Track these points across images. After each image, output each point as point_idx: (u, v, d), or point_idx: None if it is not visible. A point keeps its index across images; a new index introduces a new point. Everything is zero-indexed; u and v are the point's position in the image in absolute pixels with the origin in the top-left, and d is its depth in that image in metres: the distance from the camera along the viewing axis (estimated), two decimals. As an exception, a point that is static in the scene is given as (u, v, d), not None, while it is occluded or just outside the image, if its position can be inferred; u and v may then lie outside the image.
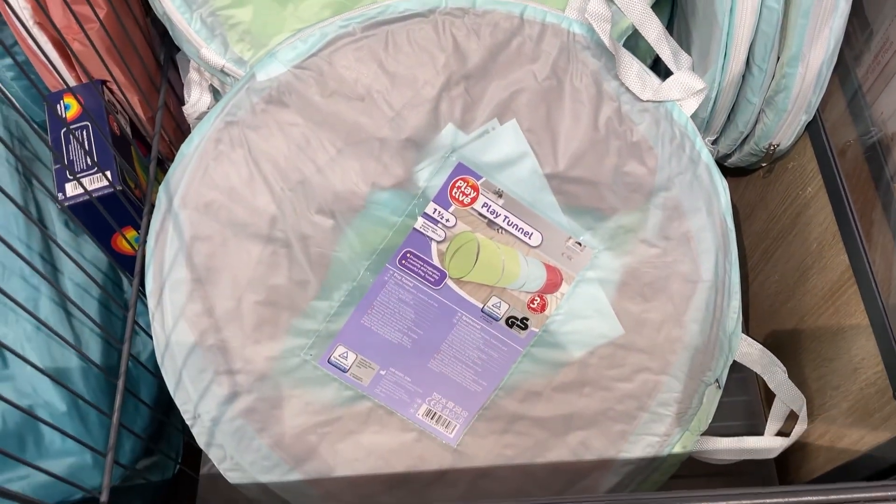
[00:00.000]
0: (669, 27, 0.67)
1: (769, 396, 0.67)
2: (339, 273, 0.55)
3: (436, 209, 0.55)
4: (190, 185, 0.53)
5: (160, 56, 0.70)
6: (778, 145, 0.62)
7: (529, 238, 0.56)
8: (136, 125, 0.67)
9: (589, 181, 0.55)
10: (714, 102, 0.60)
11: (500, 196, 0.55)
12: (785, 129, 0.59)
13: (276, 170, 0.53)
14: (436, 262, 0.56)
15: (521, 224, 0.56)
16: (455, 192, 0.55)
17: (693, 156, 0.55)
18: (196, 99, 0.63)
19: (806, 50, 0.53)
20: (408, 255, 0.55)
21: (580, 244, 0.56)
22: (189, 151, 0.53)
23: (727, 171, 0.74)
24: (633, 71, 0.53)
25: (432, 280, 0.56)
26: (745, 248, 0.76)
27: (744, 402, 0.74)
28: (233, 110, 0.52)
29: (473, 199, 0.55)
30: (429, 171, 0.54)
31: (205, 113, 0.64)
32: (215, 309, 0.55)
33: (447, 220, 0.55)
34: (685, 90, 0.54)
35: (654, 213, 0.56)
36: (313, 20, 0.56)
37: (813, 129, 0.60)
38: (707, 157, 0.56)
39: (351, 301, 0.56)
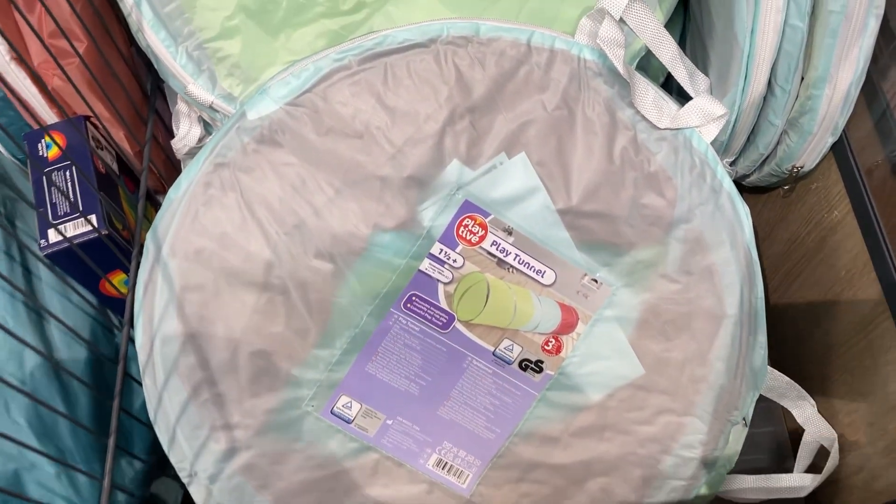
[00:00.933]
0: (682, 45, 0.64)
1: (795, 426, 0.64)
2: (341, 319, 0.52)
3: (442, 249, 0.51)
4: (178, 232, 0.49)
5: (146, 86, 0.67)
6: (801, 167, 0.58)
7: (542, 277, 0.52)
8: (124, 161, 0.64)
9: (604, 215, 0.51)
10: (734, 125, 0.57)
11: (510, 234, 0.52)
12: (809, 151, 0.56)
13: (271, 213, 0.49)
14: (443, 304, 0.52)
15: (532, 262, 0.52)
16: (462, 231, 0.51)
17: (714, 185, 0.52)
18: (185, 132, 0.60)
19: (833, 71, 0.50)
20: (413, 298, 0.52)
21: (596, 281, 0.53)
22: (177, 196, 0.49)
23: (743, 189, 0.71)
24: (650, 98, 0.49)
25: (440, 323, 0.53)
26: (764, 269, 0.73)
27: (769, 433, 0.70)
28: (223, 151, 0.49)
29: (482, 238, 0.52)
30: (433, 210, 0.51)
31: (195, 148, 0.60)
32: (209, 361, 0.51)
33: (454, 261, 0.52)
34: (705, 116, 0.50)
35: (674, 246, 0.52)
36: (306, 52, 0.52)
37: (838, 148, 0.57)
38: (729, 186, 0.52)
39: (354, 348, 0.53)
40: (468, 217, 0.51)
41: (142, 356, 0.51)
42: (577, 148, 0.50)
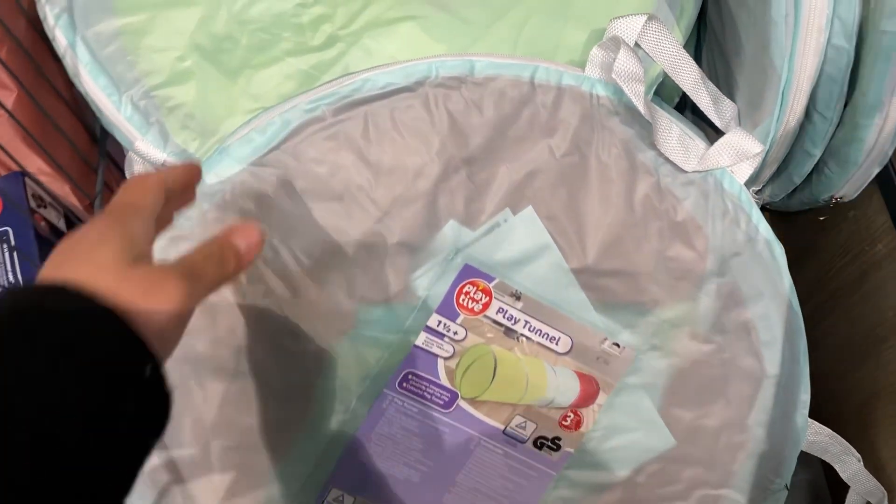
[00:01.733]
0: (698, 62, 0.57)
1: (834, 473, 0.58)
2: (327, 405, 0.45)
3: (440, 321, 0.44)
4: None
5: (95, 129, 0.59)
6: (842, 198, 0.51)
7: (557, 344, 0.46)
8: (72, 218, 0.56)
9: (625, 272, 0.45)
10: (765, 155, 0.50)
11: (518, 298, 0.45)
12: (853, 182, 0.49)
13: (239, 291, 0.42)
14: (444, 381, 0.46)
15: (545, 329, 0.45)
16: (463, 300, 0.44)
17: (750, 231, 0.45)
18: None
19: (887, 99, 0.43)
20: (409, 376, 0.45)
21: (618, 346, 0.46)
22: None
23: (764, 210, 0.64)
24: (674, 137, 0.42)
25: (441, 402, 0.46)
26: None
27: (806, 481, 0.64)
28: (180, 223, 0.41)
29: (486, 306, 0.45)
30: (429, 278, 0.44)
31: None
32: (177, 461, 0.44)
33: (455, 333, 0.45)
34: (738, 154, 0.43)
35: (705, 302, 0.45)
36: (271, 96, 0.45)
37: (882, 176, 0.50)
38: (766, 231, 0.46)
39: (343, 436, 0.46)
40: (469, 283, 0.44)
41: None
42: (592, 198, 0.43)
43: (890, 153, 0.47)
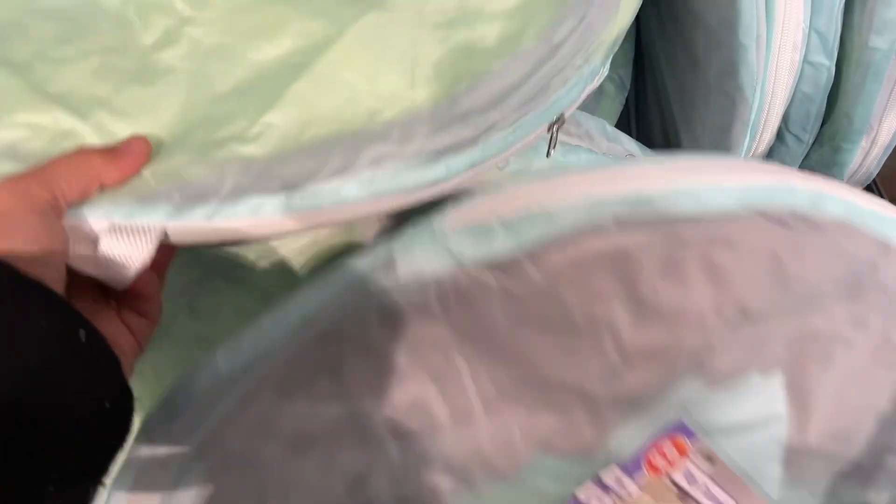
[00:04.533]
0: (639, 96, 0.48)
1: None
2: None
3: (618, 477, 0.34)
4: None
5: None
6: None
7: (724, 512, 0.37)
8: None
9: (840, 458, 0.36)
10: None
11: (712, 462, 0.35)
12: None
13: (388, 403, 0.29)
14: (586, 537, 0.36)
15: (721, 496, 0.36)
16: (652, 456, 0.34)
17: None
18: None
19: (875, 122, 0.37)
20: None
21: (784, 521, 0.38)
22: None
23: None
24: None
25: (572, 558, 0.36)
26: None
27: None
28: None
29: (674, 465, 0.34)
30: (630, 433, 0.32)
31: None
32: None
33: (629, 494, 0.34)
34: None
35: None
36: (82, 98, 0.29)
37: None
38: None
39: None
40: (668, 437, 0.34)
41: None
42: (857, 379, 0.33)
43: (875, 172, 0.42)
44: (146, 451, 0.29)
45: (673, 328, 0.29)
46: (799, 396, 0.34)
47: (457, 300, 0.27)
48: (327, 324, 0.27)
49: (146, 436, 0.30)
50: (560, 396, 0.30)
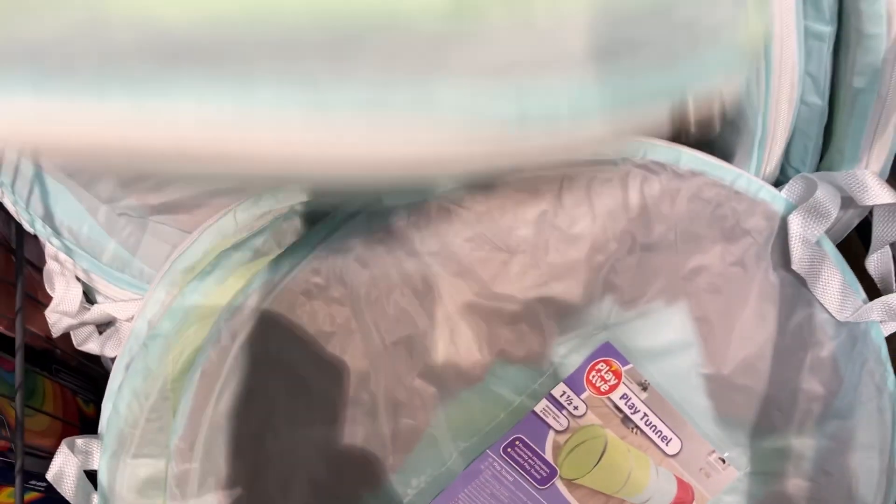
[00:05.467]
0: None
1: None
2: (427, 453, 0.43)
3: (564, 392, 0.43)
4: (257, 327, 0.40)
5: (10, 237, 0.51)
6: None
7: (667, 444, 0.45)
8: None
9: (755, 392, 0.44)
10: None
11: (645, 389, 0.44)
12: (833, 233, 0.48)
13: (383, 319, 0.40)
14: (548, 455, 0.44)
15: (661, 427, 0.44)
16: (593, 376, 0.43)
17: (879, 383, 0.45)
18: (61, 295, 0.47)
19: (863, 153, 0.42)
20: (516, 442, 0.43)
21: (723, 461, 0.45)
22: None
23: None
24: (835, 287, 0.42)
25: (538, 477, 0.44)
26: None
27: None
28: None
29: (612, 388, 0.43)
30: (568, 347, 0.42)
31: (78, 323, 0.48)
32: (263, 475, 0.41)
33: (576, 408, 0.43)
34: (890, 313, 0.43)
35: (821, 442, 0.45)
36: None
37: (862, 226, 0.48)
38: (893, 386, 0.45)
39: (431, 489, 0.44)
40: (603, 361, 0.43)
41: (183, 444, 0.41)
42: (748, 313, 0.43)
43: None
44: None
45: (585, 253, 0.40)
46: (703, 326, 0.43)
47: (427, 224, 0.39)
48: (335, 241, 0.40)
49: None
50: (510, 309, 0.41)
